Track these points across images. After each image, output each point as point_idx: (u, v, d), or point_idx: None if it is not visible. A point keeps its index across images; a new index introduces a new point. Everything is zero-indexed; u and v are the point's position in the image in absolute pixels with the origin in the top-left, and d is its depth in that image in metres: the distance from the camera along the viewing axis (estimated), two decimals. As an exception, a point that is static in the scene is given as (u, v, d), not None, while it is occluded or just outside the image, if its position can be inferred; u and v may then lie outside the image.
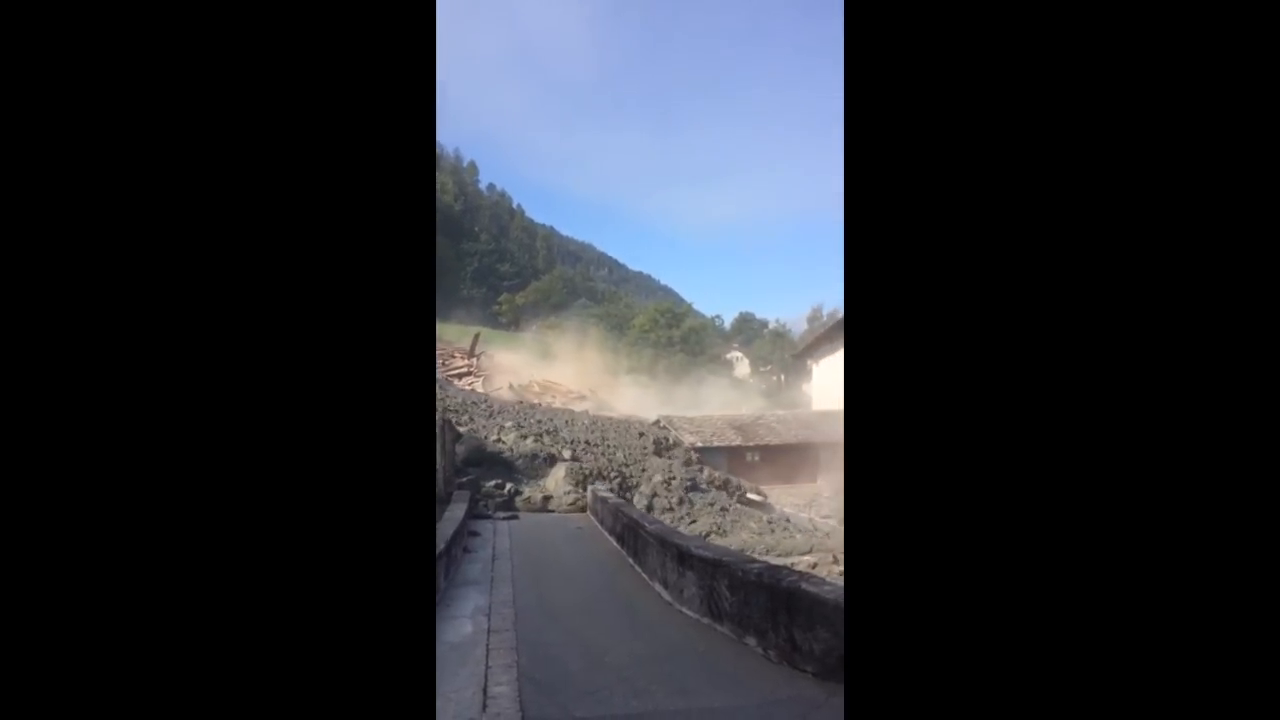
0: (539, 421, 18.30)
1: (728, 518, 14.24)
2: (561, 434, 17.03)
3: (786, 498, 18.18)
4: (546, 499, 13.67)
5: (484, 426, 16.81)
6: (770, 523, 14.81)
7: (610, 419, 20.81)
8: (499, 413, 18.89)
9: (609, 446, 16.86)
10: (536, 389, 28.49)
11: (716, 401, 33.57)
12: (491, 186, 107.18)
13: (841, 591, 4.06)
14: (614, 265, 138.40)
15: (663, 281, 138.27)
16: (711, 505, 14.90)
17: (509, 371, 32.89)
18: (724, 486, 16.76)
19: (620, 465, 15.74)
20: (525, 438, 16.24)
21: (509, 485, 14.01)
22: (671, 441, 18.41)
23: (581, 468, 14.83)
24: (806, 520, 16.32)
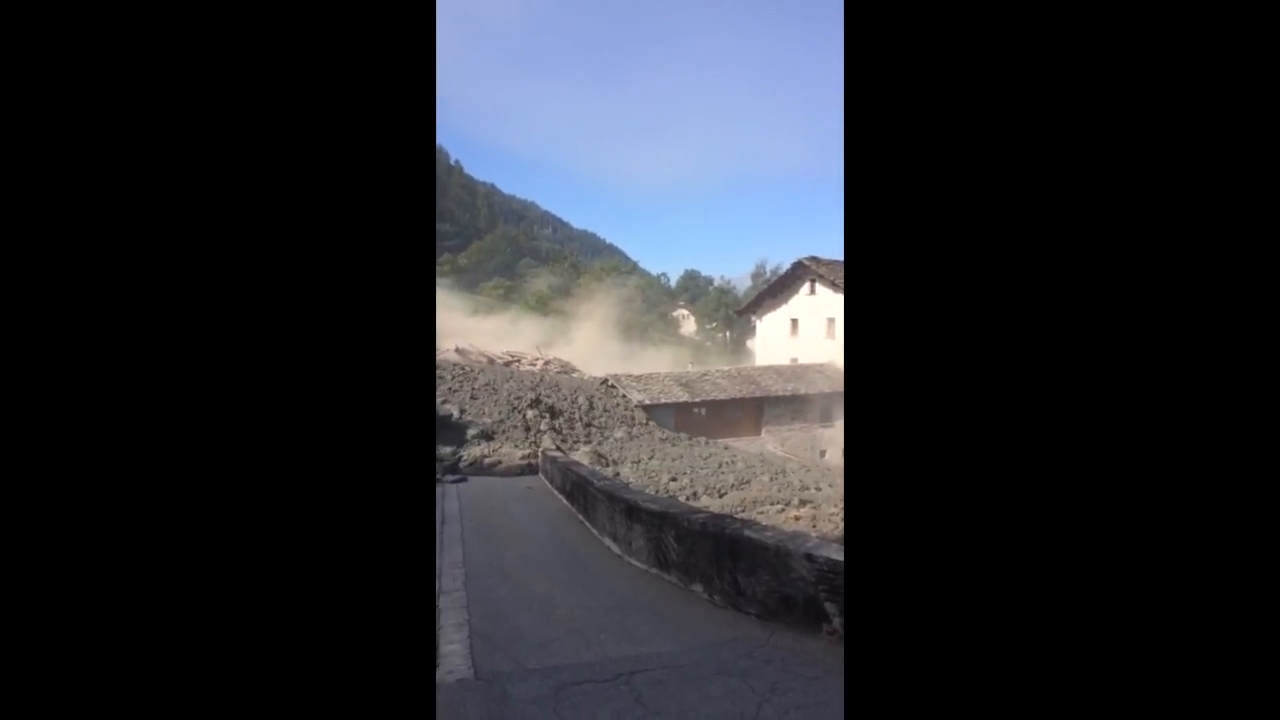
0: (498, 387, 18.08)
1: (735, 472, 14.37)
2: (517, 396, 16.91)
3: (737, 448, 18.64)
4: (496, 462, 13.62)
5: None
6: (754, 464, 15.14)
7: (574, 379, 20.71)
8: (453, 378, 18.55)
9: (579, 409, 16.84)
10: (486, 353, 28.06)
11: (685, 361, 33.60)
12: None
13: (781, 535, 4.23)
14: (558, 224, 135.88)
15: (608, 240, 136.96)
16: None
17: (500, 342, 32.14)
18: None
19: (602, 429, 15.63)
20: (475, 400, 16.04)
21: (460, 452, 13.87)
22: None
23: (540, 431, 14.76)
24: (780, 456, 16.83)
